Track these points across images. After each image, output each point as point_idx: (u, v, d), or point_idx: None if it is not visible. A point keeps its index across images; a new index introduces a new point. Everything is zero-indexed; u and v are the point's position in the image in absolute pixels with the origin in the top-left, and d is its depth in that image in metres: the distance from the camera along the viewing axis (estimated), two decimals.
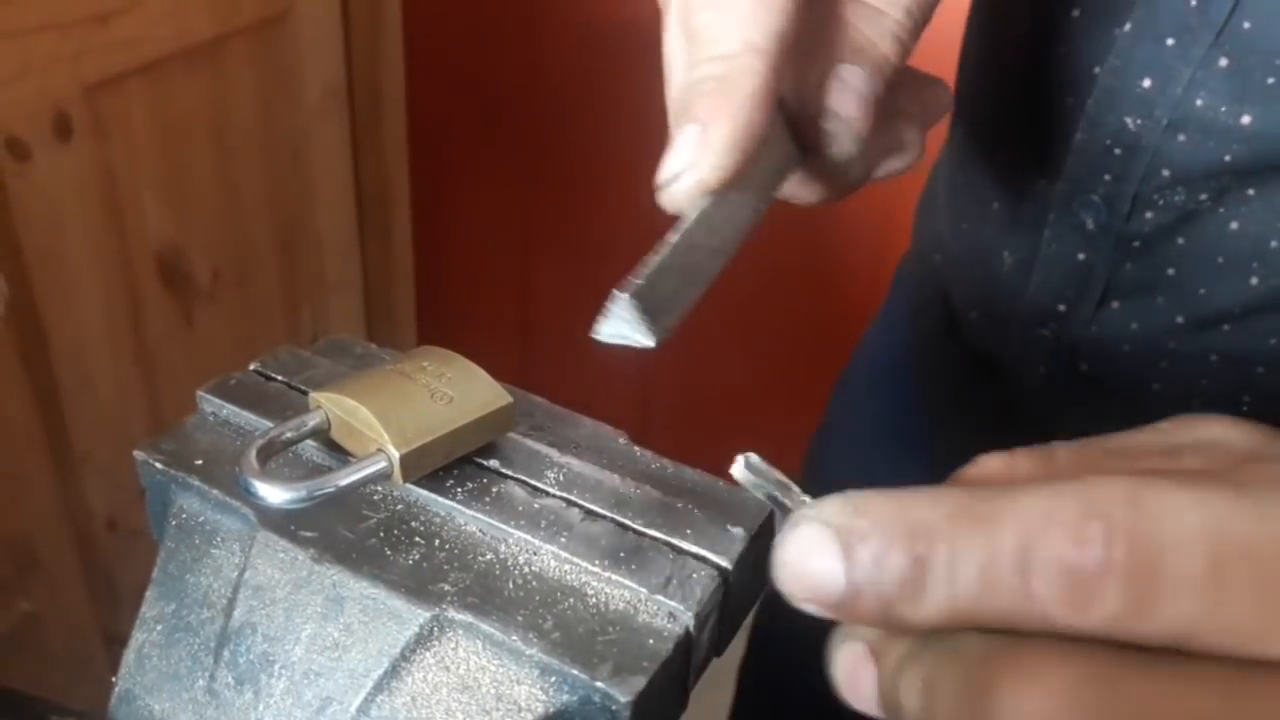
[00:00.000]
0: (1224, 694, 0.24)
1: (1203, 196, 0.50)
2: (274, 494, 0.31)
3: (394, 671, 0.30)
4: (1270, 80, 0.46)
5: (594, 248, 1.50)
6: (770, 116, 0.36)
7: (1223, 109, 0.47)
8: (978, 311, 0.64)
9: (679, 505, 0.34)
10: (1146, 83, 0.49)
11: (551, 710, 0.29)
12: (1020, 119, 0.58)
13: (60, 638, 1.18)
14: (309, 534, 0.32)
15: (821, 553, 0.27)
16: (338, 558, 0.32)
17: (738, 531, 0.33)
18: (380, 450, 0.33)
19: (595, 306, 0.31)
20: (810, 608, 0.29)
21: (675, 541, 0.32)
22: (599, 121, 1.50)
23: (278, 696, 0.31)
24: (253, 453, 0.32)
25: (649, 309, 0.32)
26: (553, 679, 0.30)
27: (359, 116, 1.36)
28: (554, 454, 0.36)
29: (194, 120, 1.16)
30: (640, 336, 0.31)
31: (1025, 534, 0.25)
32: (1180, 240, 0.52)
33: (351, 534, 0.33)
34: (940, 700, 0.26)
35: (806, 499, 0.31)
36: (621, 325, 0.31)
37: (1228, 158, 0.48)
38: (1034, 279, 0.58)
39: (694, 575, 0.31)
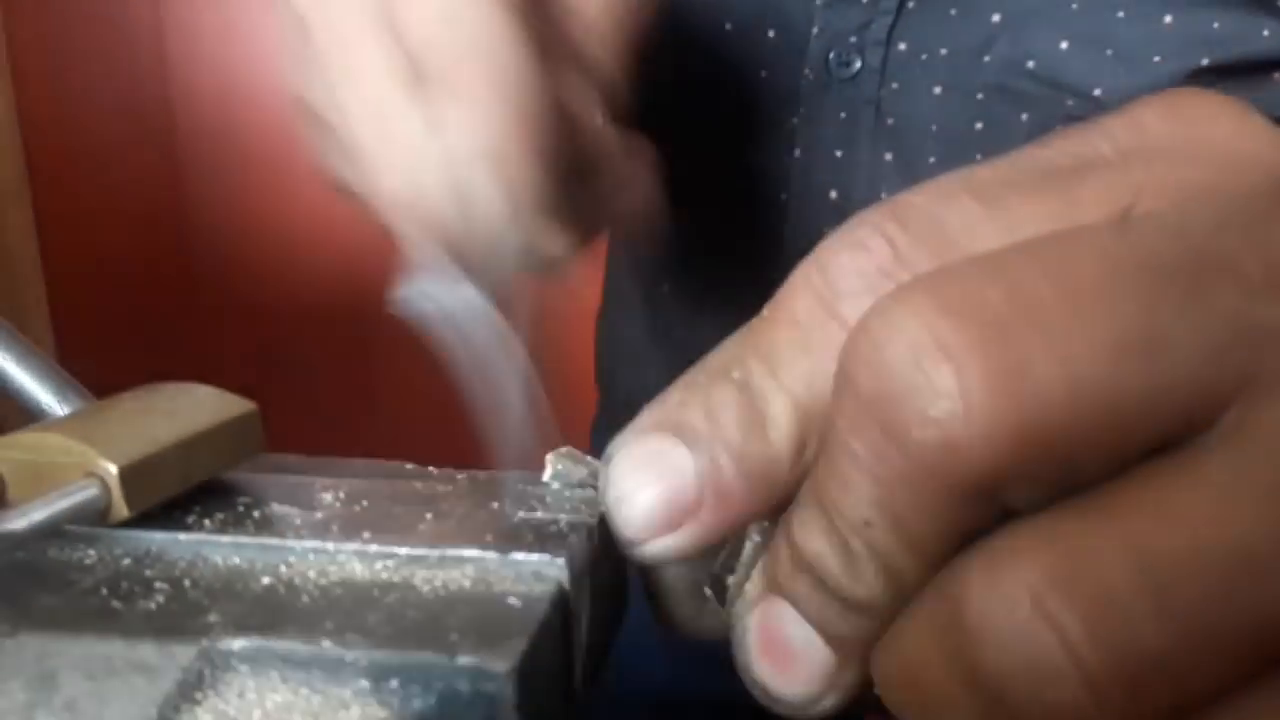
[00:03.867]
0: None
1: None
2: None
3: None
4: (932, 159, 0.51)
5: None
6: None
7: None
8: None
9: (510, 484, 0.26)
10: (833, 194, 0.53)
11: None
12: (726, 264, 0.58)
13: None
14: None
15: (657, 449, 0.23)
16: (40, 626, 0.22)
17: (588, 493, 0.26)
18: (90, 474, 0.23)
19: None
20: (669, 544, 0.23)
21: (518, 513, 0.25)
22: None
23: None
24: None
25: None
26: (394, 682, 0.20)
27: None
28: (325, 480, 0.27)
29: None
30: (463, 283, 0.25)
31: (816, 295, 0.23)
32: None
33: (58, 599, 0.23)
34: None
35: None
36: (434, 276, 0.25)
37: None
38: None
39: (552, 530, 0.24)
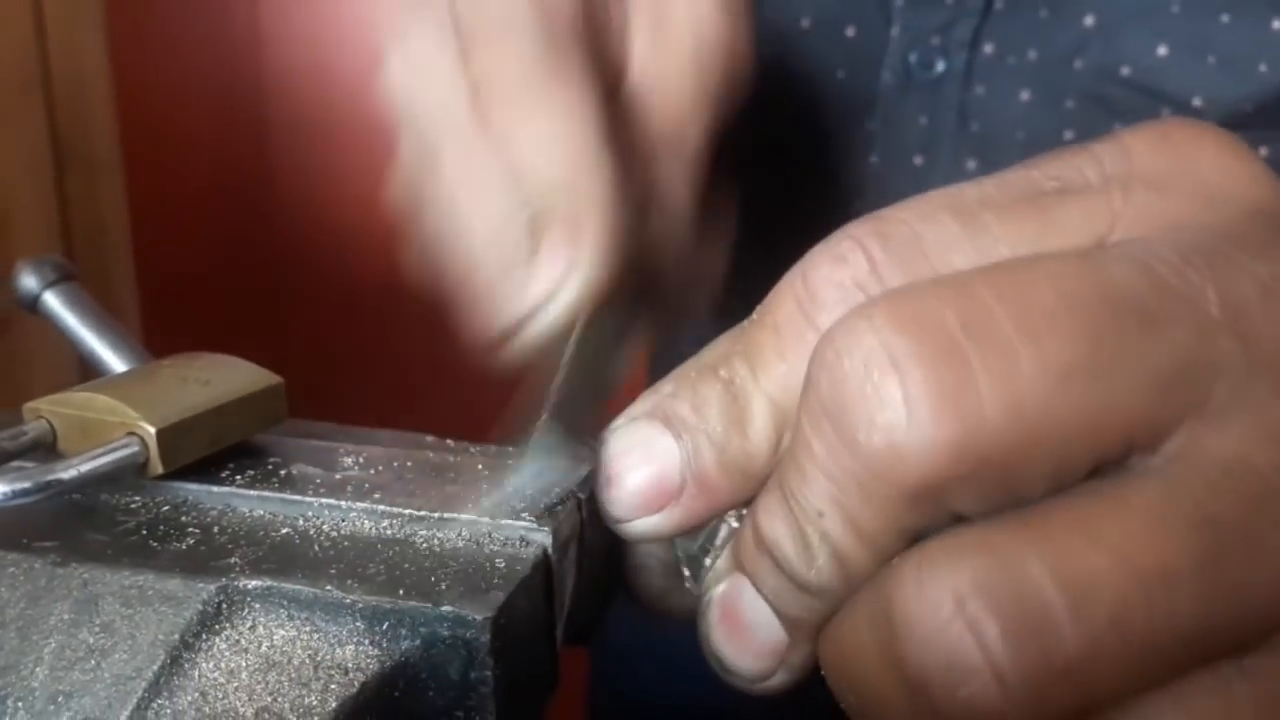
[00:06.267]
0: None
1: None
2: None
3: (174, 666, 0.23)
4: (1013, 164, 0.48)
5: None
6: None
7: None
8: None
9: (512, 459, 0.29)
10: None
11: (389, 664, 0.23)
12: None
13: None
14: (47, 544, 0.25)
15: (647, 436, 0.25)
16: (87, 558, 0.25)
17: (582, 471, 0.28)
18: (131, 434, 0.26)
19: None
20: (652, 524, 0.25)
21: (516, 485, 0.27)
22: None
23: None
24: None
25: (569, 429, 0.28)
26: (384, 625, 0.23)
27: None
28: (348, 445, 0.30)
29: None
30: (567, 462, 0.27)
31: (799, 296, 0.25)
32: None
33: (105, 536, 0.26)
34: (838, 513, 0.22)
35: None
36: (547, 454, 0.28)
37: None
38: None
39: (542, 499, 0.26)
